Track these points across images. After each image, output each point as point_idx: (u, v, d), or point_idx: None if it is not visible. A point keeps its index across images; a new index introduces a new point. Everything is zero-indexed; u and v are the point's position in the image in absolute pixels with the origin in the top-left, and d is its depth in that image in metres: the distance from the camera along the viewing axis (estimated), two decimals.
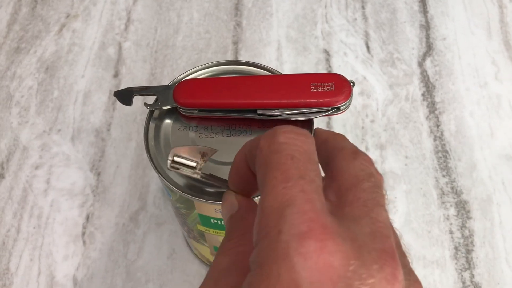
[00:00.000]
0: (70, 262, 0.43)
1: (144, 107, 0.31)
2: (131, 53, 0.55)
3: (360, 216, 0.17)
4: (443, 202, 0.45)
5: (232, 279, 0.19)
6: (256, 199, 0.22)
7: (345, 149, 0.20)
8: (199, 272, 0.43)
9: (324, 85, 0.29)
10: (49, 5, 0.59)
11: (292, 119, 0.30)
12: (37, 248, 0.44)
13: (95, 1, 0.59)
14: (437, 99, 0.51)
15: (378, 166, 0.47)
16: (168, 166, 0.26)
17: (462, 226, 0.44)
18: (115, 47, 0.55)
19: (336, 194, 0.18)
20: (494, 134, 0.49)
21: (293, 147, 0.17)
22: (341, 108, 0.30)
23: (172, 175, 0.29)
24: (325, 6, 0.58)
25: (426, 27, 0.56)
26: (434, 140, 0.49)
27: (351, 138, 0.47)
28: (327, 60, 0.54)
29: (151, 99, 0.32)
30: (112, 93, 0.51)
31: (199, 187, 0.29)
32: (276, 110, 0.30)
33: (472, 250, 0.43)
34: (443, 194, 0.46)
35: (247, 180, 0.21)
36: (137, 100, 0.33)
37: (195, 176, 0.26)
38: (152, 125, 0.31)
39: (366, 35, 0.55)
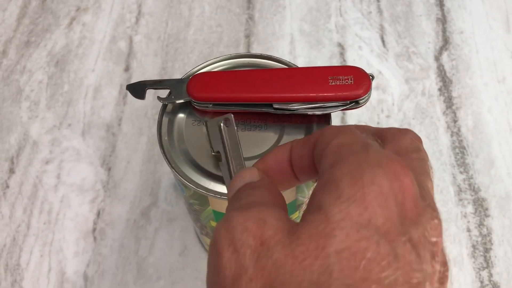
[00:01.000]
0: (80, 259, 0.43)
1: (155, 102, 0.31)
2: (142, 46, 0.54)
3: None
4: (460, 200, 0.44)
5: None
6: None
7: (397, 128, 0.21)
8: None
9: (342, 78, 0.29)
10: None
11: (309, 113, 0.29)
12: (48, 244, 0.44)
13: None
14: (454, 94, 0.50)
15: None
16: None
17: (480, 224, 0.43)
18: (126, 40, 0.55)
19: None
20: None
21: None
22: (360, 102, 0.29)
23: (187, 170, 0.29)
24: None
25: (443, 20, 0.55)
26: (451, 136, 0.47)
27: None
28: (342, 54, 0.52)
29: (163, 93, 0.31)
30: (123, 87, 0.51)
31: (214, 184, 0.28)
32: (292, 104, 0.29)
33: (491, 248, 0.42)
34: (461, 191, 0.45)
35: (282, 169, 0.21)
36: (148, 94, 0.32)
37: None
38: (165, 120, 0.31)
39: (381, 28, 0.54)
